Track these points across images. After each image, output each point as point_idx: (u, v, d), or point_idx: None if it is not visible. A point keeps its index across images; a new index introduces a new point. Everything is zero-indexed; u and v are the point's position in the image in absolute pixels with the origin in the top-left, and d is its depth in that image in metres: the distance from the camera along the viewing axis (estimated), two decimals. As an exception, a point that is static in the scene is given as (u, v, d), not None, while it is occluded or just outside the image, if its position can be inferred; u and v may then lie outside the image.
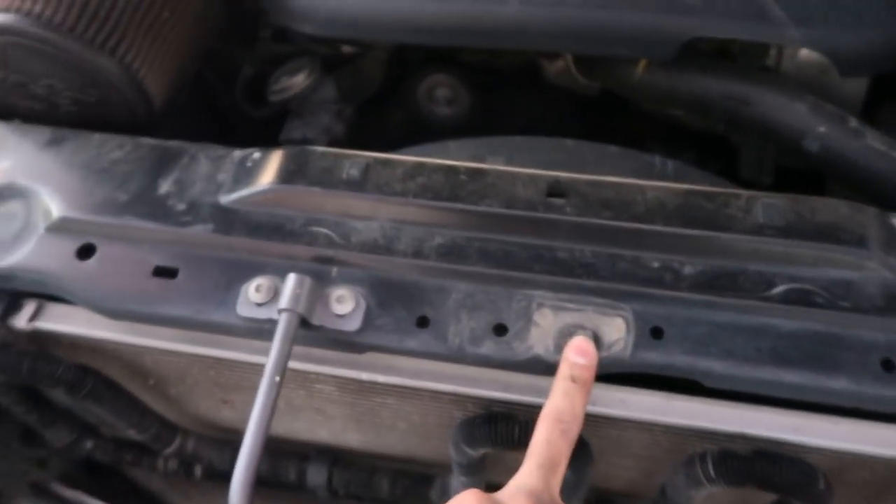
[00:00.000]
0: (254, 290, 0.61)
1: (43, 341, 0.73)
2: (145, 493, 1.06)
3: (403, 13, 0.76)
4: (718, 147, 0.93)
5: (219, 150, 0.71)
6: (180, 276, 0.64)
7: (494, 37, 0.75)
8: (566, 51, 0.82)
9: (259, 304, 0.61)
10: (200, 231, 0.65)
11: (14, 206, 0.69)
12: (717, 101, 0.78)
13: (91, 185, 0.69)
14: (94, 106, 0.75)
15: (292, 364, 0.59)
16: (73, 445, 0.82)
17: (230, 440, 0.84)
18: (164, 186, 0.69)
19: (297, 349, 0.60)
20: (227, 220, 0.66)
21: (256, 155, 0.69)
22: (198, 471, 0.84)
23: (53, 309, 0.70)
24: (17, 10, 0.69)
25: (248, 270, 0.63)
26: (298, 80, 1.02)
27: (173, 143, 0.72)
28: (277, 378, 0.55)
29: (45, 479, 0.88)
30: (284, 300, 0.58)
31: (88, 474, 0.99)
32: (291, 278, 0.59)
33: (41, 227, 0.67)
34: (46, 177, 0.70)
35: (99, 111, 0.75)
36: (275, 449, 0.83)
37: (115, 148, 0.72)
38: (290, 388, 0.69)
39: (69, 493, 0.89)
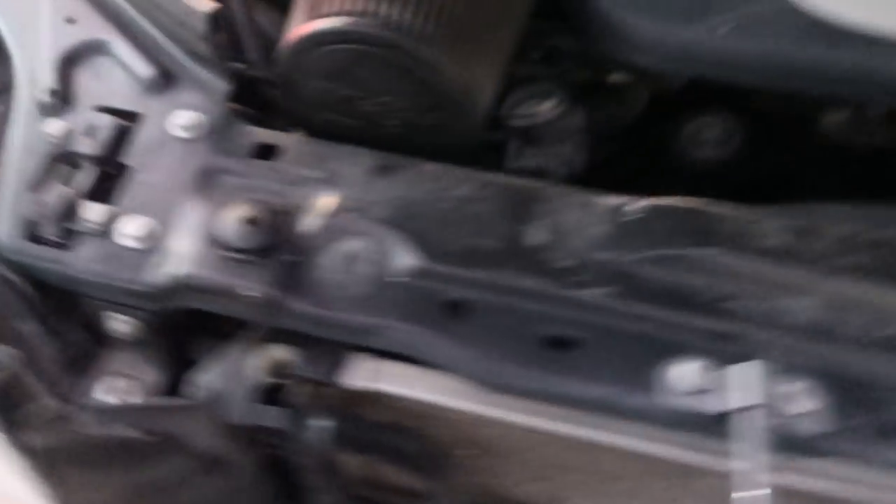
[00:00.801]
0: (689, 374, 0.52)
1: (353, 402, 0.63)
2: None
3: (775, 56, 0.67)
4: None
5: (581, 195, 0.62)
6: (580, 348, 0.54)
7: (875, 89, 0.67)
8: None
9: (693, 393, 0.52)
10: (599, 295, 0.56)
11: (355, 246, 0.59)
12: None
13: (445, 229, 0.59)
14: (422, 129, 0.65)
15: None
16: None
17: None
18: (536, 236, 0.59)
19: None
20: (628, 283, 0.56)
21: (642, 205, 0.60)
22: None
23: (388, 367, 0.60)
24: (370, 15, 0.59)
25: (665, 349, 0.54)
26: (546, 107, 0.93)
27: (525, 182, 0.63)
28: (767, 491, 0.46)
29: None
30: (747, 395, 0.49)
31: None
32: (749, 367, 0.50)
33: (398, 275, 0.57)
34: (389, 213, 0.60)
35: (423, 136, 0.66)
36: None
37: (456, 183, 0.62)
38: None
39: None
